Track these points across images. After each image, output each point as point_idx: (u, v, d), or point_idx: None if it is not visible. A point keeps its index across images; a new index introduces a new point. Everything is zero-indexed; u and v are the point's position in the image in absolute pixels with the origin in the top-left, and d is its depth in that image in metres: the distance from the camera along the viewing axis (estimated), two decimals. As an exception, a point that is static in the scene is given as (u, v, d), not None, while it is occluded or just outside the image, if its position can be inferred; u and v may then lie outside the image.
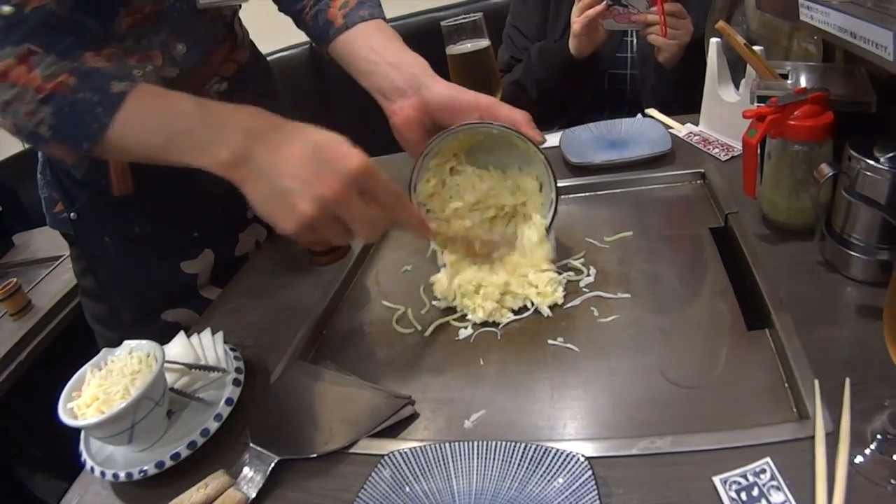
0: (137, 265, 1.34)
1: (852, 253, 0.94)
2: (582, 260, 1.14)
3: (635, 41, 1.83)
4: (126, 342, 0.96)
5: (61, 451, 0.92)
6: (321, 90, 2.34)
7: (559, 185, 1.32)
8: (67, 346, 1.84)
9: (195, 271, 1.38)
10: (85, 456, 0.92)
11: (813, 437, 0.73)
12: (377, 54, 1.14)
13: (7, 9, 0.87)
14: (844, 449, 0.71)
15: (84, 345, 1.34)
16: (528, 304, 1.06)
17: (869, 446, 0.71)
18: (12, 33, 0.87)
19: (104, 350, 0.96)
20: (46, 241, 2.25)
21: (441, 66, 1.46)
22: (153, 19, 1.11)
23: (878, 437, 0.72)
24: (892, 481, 0.68)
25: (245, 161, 0.85)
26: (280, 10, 1.31)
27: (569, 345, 0.98)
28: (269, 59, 1.59)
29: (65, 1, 0.94)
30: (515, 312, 1.06)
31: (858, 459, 0.70)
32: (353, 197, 0.84)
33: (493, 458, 0.78)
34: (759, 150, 1.03)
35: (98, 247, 1.31)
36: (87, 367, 0.93)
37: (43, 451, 1.98)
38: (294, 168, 0.83)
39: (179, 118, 0.88)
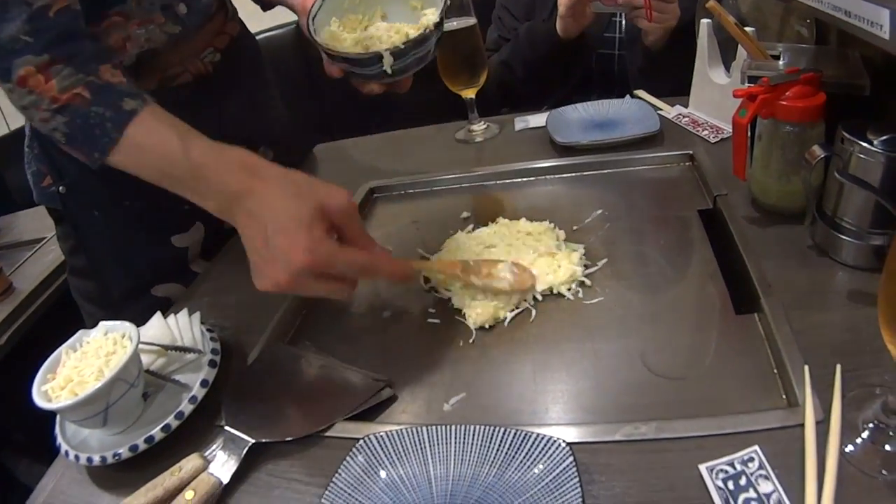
0: (127, 239, 1.31)
1: (844, 237, 0.90)
2: (572, 244, 1.09)
3: (623, 22, 1.78)
4: (102, 323, 0.93)
5: (46, 437, 0.90)
6: (307, 68, 2.30)
7: (545, 165, 1.31)
8: (50, 328, 1.79)
9: (185, 245, 1.36)
10: (60, 440, 0.88)
11: (803, 425, 0.69)
12: None
13: None
14: (835, 437, 0.67)
15: (67, 327, 1.28)
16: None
17: (860, 435, 0.68)
18: (37, 40, 0.89)
19: (80, 331, 0.93)
20: (29, 223, 2.20)
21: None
22: None
23: (870, 425, 0.69)
24: (884, 471, 0.64)
25: (227, 215, 0.89)
26: None
27: (552, 327, 0.94)
28: (257, 38, 1.59)
29: None
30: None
31: (849, 448, 0.67)
32: (304, 283, 0.85)
33: (472, 443, 0.75)
34: (749, 131, 0.99)
35: (87, 221, 1.28)
36: (62, 348, 0.90)
37: (27, 437, 1.94)
38: (255, 247, 0.87)
39: (168, 163, 0.90)
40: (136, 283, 1.34)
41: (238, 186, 0.87)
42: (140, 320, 0.94)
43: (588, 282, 1.01)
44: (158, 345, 0.97)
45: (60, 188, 1.23)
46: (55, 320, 1.80)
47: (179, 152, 0.89)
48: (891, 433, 0.67)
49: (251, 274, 0.87)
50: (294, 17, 1.49)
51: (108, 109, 0.90)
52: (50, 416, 0.87)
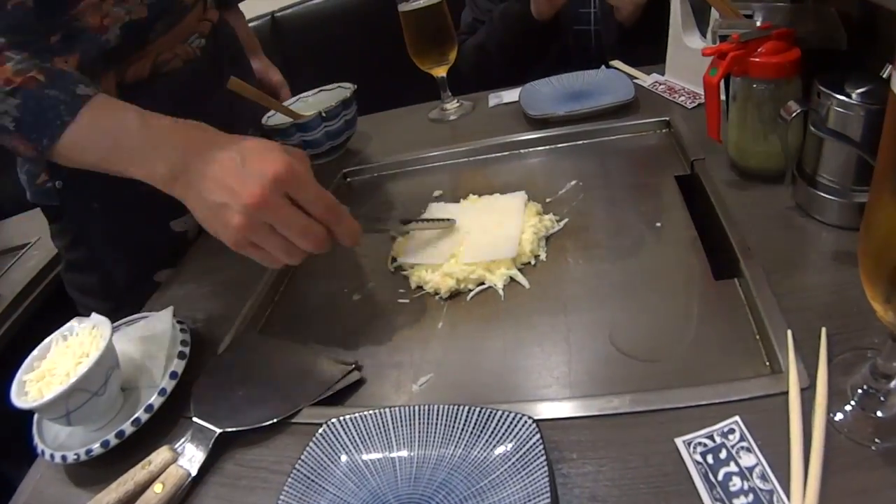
0: (127, 228, 1.28)
1: (826, 196, 0.83)
2: (548, 214, 1.03)
3: None
4: (94, 315, 0.89)
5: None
6: (284, 59, 2.24)
7: (519, 139, 1.26)
8: (35, 334, 1.76)
9: (184, 229, 1.34)
10: (36, 439, 0.85)
11: (787, 393, 0.63)
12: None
13: None
14: (822, 405, 0.60)
15: (52, 331, 1.30)
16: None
17: (849, 402, 0.61)
18: None
19: (75, 319, 0.91)
20: (11, 232, 2.16)
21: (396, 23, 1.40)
22: None
23: (859, 391, 0.62)
24: (877, 440, 0.57)
25: (181, 175, 0.83)
26: None
27: (524, 302, 0.88)
28: None
29: None
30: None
31: (838, 416, 0.60)
32: (278, 202, 0.78)
33: (436, 424, 0.68)
34: (723, 93, 0.93)
35: (86, 214, 1.26)
36: (54, 335, 0.89)
37: (23, 445, 1.90)
38: (221, 179, 0.79)
39: (125, 134, 0.87)
40: (138, 270, 1.32)
41: (203, 136, 0.85)
42: (143, 306, 0.97)
43: (543, 256, 0.96)
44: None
45: (57, 183, 1.21)
46: (39, 326, 1.76)
47: (136, 122, 0.87)
48: (881, 398, 0.60)
49: (209, 224, 0.82)
50: (269, 9, 1.46)
51: (63, 93, 0.87)
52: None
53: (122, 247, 1.30)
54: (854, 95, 0.77)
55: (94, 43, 1.07)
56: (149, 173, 0.85)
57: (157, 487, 0.72)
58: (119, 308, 0.94)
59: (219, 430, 0.77)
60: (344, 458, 0.69)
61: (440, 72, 1.46)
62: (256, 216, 0.78)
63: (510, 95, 1.46)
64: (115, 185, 1.20)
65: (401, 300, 0.96)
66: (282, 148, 0.81)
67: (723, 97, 1.00)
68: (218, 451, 0.77)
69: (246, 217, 0.77)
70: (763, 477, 0.57)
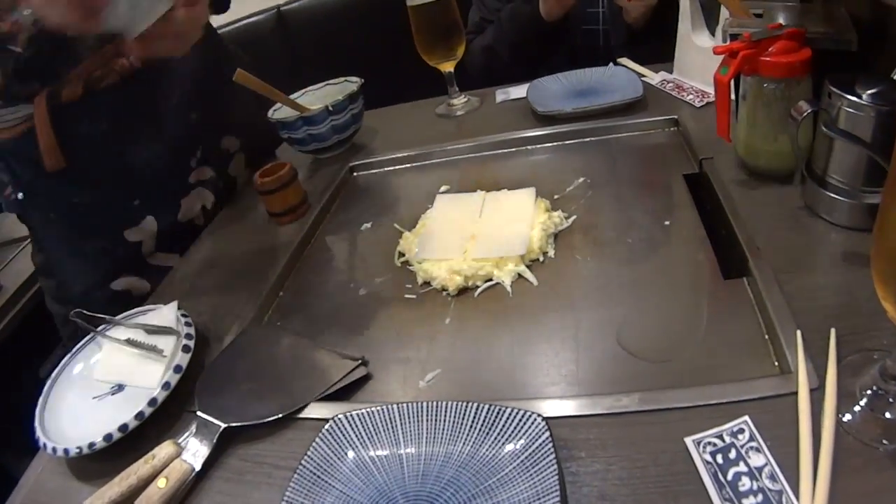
0: (82, 237, 1.29)
1: (836, 197, 0.83)
2: (556, 211, 1.03)
3: None
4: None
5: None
6: (290, 54, 2.23)
7: (526, 135, 1.26)
8: (37, 325, 1.77)
9: (139, 239, 1.32)
10: (38, 432, 0.83)
11: (796, 394, 0.63)
12: None
13: None
14: (831, 406, 0.60)
15: (52, 325, 1.34)
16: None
17: (858, 403, 0.61)
18: None
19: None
20: (13, 224, 2.14)
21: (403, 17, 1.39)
22: None
23: (868, 392, 0.62)
24: (885, 441, 0.57)
25: None
26: None
27: (532, 298, 0.88)
28: (235, 25, 1.57)
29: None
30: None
31: (847, 417, 0.60)
32: None
33: (444, 420, 0.68)
34: (733, 92, 0.93)
35: (44, 223, 1.28)
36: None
37: (25, 436, 1.91)
38: None
39: None
40: (93, 278, 1.32)
41: None
42: (101, 313, 0.97)
43: (552, 253, 0.96)
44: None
45: (20, 195, 1.22)
46: (41, 318, 1.78)
47: None
48: (890, 399, 0.60)
49: None
50: (275, 2, 1.44)
51: None
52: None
53: (76, 256, 1.31)
54: (865, 96, 0.76)
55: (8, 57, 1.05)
56: None
57: (161, 482, 0.72)
58: (75, 312, 0.95)
59: (223, 425, 0.77)
60: (351, 454, 0.69)
61: (448, 67, 1.45)
62: None
63: (518, 91, 1.46)
64: (68, 195, 1.24)
65: (408, 295, 0.95)
66: None
67: (732, 96, 1.00)
68: (222, 446, 0.77)
69: None
70: (772, 477, 0.57)
